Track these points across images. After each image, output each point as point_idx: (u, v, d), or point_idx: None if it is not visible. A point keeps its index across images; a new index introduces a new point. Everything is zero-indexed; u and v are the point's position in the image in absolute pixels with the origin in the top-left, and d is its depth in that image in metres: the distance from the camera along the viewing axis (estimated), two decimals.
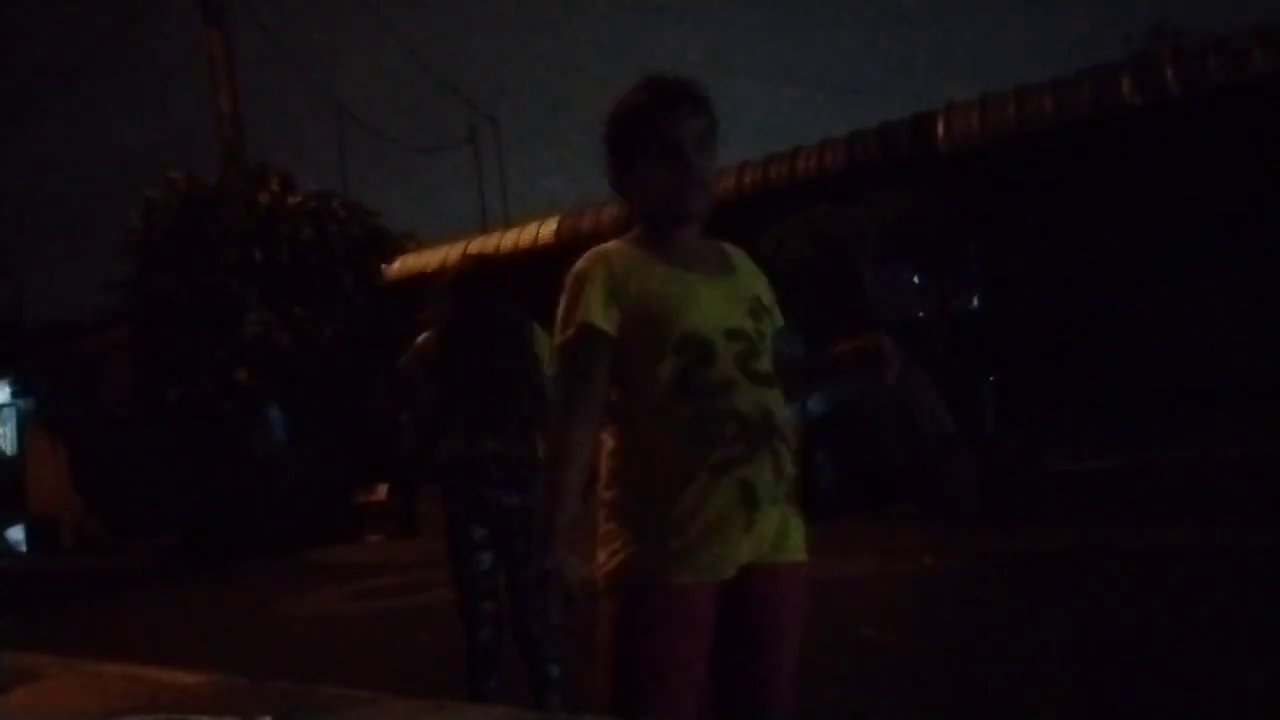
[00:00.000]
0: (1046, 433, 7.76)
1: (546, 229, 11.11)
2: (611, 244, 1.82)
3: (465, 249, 11.92)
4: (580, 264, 1.78)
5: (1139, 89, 7.92)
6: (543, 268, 3.39)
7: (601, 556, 1.73)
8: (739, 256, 1.91)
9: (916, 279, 8.76)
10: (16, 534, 17.28)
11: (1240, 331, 7.29)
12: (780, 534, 1.74)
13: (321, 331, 11.30)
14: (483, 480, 3.27)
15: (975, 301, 8.66)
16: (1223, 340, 7.31)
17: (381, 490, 11.38)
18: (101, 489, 15.01)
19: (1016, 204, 8.12)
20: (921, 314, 8.49)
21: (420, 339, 3.57)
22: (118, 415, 14.18)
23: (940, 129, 8.77)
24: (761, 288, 1.88)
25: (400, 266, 12.32)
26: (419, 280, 12.01)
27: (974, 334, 8.17)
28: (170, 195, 11.69)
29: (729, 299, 1.78)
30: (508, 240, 11.58)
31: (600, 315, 1.71)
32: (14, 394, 18.71)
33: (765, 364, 1.76)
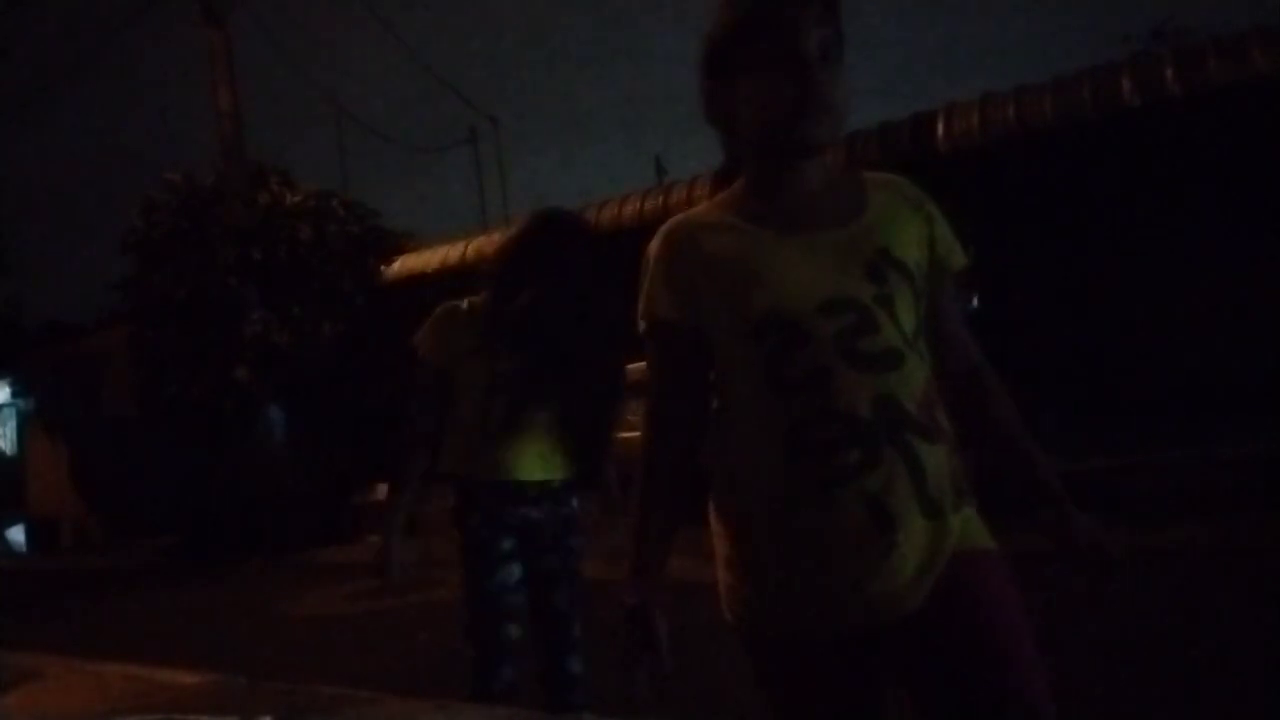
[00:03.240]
0: (1046, 433, 7.76)
1: None
2: (696, 208, 1.50)
3: (465, 249, 11.96)
4: (653, 241, 1.47)
5: (1139, 89, 7.92)
6: None
7: (723, 600, 1.44)
8: (882, 192, 1.46)
9: None
10: (16, 534, 17.27)
11: (1240, 331, 7.29)
12: (943, 547, 1.35)
13: (321, 331, 11.30)
14: (514, 499, 2.61)
15: (974, 302, 8.66)
16: (1223, 340, 7.31)
17: (381, 490, 11.37)
18: (101, 489, 15.01)
19: (1016, 204, 8.12)
20: None
21: (453, 306, 2.72)
22: (118, 415, 14.18)
23: (940, 129, 8.78)
24: (904, 232, 1.43)
25: (400, 266, 12.32)
26: (419, 280, 12.04)
27: (973, 334, 8.16)
28: (170, 195, 11.69)
29: (838, 258, 1.38)
30: None
31: (668, 303, 1.41)
32: (14, 394, 18.72)
33: (888, 339, 1.34)
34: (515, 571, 2.59)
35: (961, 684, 1.30)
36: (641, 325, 1.46)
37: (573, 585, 2.68)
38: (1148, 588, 4.62)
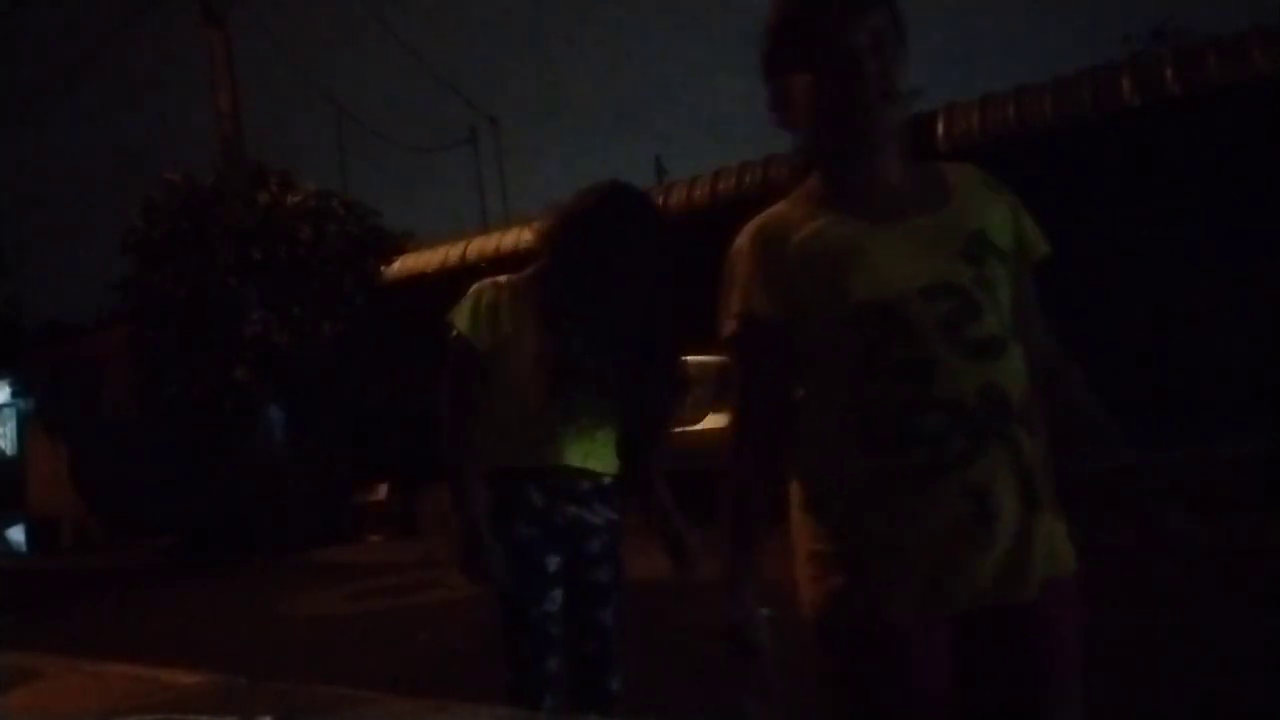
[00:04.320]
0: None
1: None
2: (776, 205, 1.46)
3: (465, 249, 11.96)
4: (736, 241, 1.45)
5: (1139, 89, 7.92)
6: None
7: (804, 595, 1.40)
8: (963, 177, 1.45)
9: None
10: (16, 534, 17.27)
11: (1240, 331, 7.29)
12: (1044, 553, 1.32)
13: (321, 331, 11.30)
14: (564, 493, 2.36)
15: None
16: (1223, 340, 7.31)
17: (381, 490, 11.38)
18: (101, 489, 15.01)
19: None
20: None
21: (492, 282, 2.45)
22: (118, 415, 14.18)
23: (940, 129, 8.78)
24: (993, 216, 1.41)
25: (400, 266, 12.32)
26: (419, 280, 12.04)
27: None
28: (170, 195, 11.68)
29: (933, 243, 1.35)
30: (508, 240, 11.58)
31: (763, 299, 1.38)
32: (14, 394, 18.71)
33: (990, 325, 1.32)
34: (559, 598, 2.34)
35: (1006, 711, 1.33)
36: (730, 325, 1.42)
37: (620, 599, 2.45)
38: (1146, 588, 4.62)
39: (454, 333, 2.38)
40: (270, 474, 11.39)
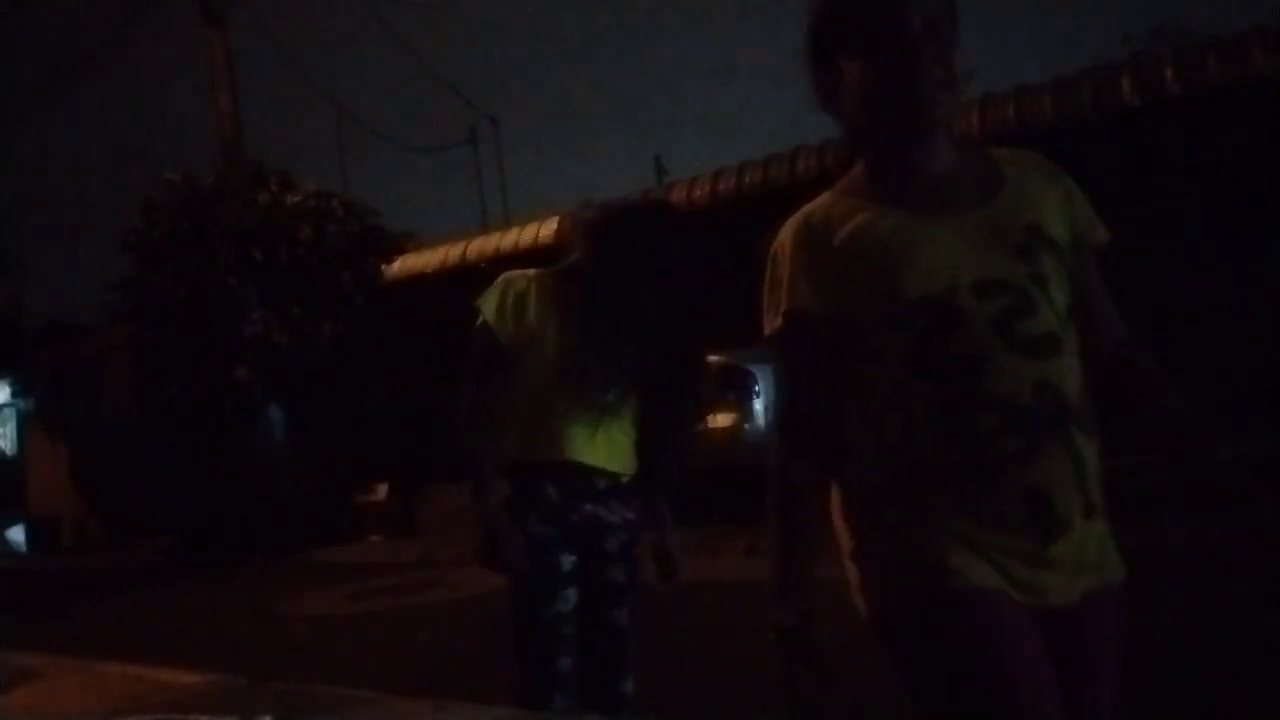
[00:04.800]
0: None
1: (546, 229, 11.11)
2: (818, 199, 1.41)
3: (465, 249, 11.96)
4: (778, 237, 1.40)
5: (1139, 89, 7.92)
6: (543, 268, 3.16)
7: (861, 593, 1.36)
8: (1017, 166, 1.40)
9: None
10: (16, 534, 17.28)
11: (1240, 331, 7.29)
12: (1097, 557, 1.30)
13: (321, 331, 11.30)
14: (581, 491, 2.33)
15: None
16: (1223, 340, 7.31)
17: (381, 490, 11.38)
18: (101, 489, 15.01)
19: None
20: None
21: (517, 274, 2.43)
22: (118, 415, 14.18)
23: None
24: (1048, 207, 1.36)
25: (399, 266, 12.32)
26: (419, 280, 12.05)
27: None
28: (170, 195, 11.69)
29: (984, 237, 1.31)
30: (508, 240, 11.58)
31: (808, 294, 1.34)
32: (14, 394, 18.71)
33: (1045, 321, 1.28)
34: (572, 597, 2.30)
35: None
36: (776, 323, 1.37)
37: (637, 601, 2.41)
38: (1146, 588, 4.62)
39: (480, 320, 2.35)
40: (270, 474, 11.40)
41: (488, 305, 2.35)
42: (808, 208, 1.41)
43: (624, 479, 2.37)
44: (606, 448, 2.33)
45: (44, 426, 16.77)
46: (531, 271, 2.43)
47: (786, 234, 1.39)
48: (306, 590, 8.04)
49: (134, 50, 36.03)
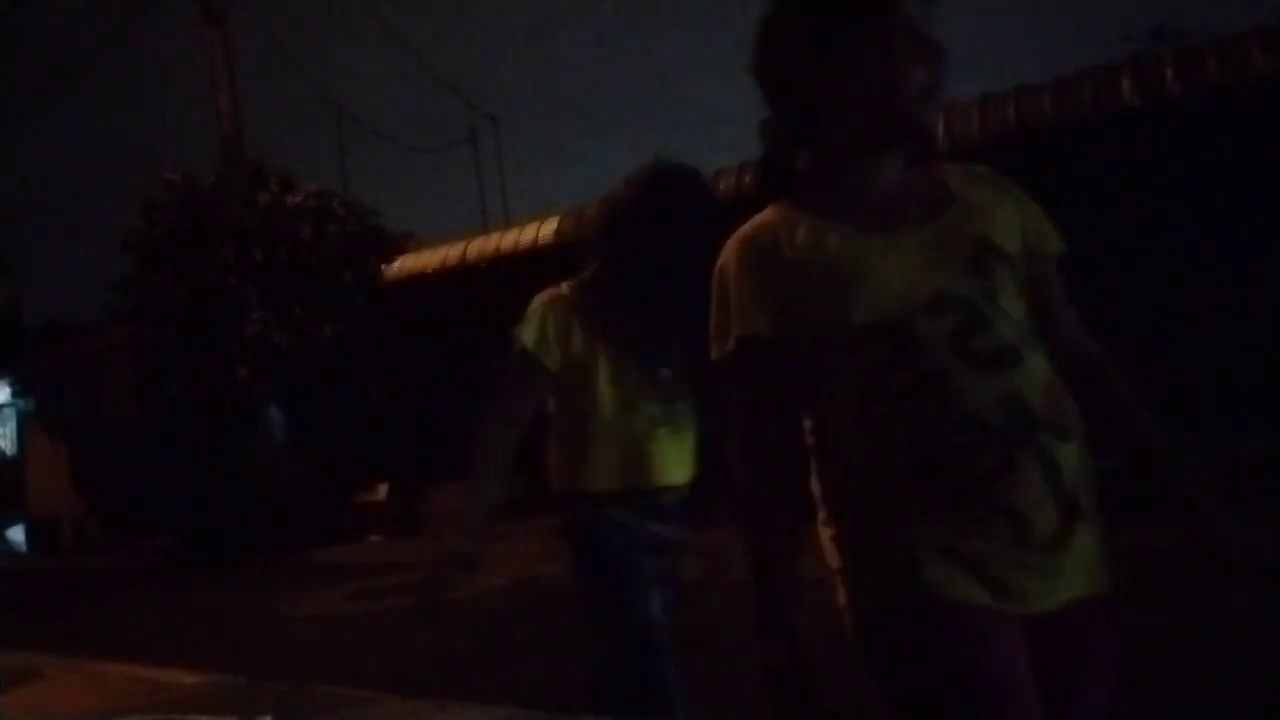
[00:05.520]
0: None
1: (546, 229, 11.11)
2: (765, 212, 1.36)
3: (465, 249, 11.96)
4: (722, 257, 1.36)
5: (1139, 89, 7.92)
6: (543, 268, 3.13)
7: (846, 608, 1.32)
8: (965, 180, 1.36)
9: None
10: (16, 534, 17.27)
11: (1240, 331, 7.29)
12: (1083, 565, 1.25)
13: (321, 331, 11.30)
14: (648, 510, 2.21)
15: None
16: (1223, 340, 7.31)
17: (381, 490, 11.38)
18: (101, 489, 15.01)
19: None
20: None
21: (556, 294, 2.29)
22: (118, 415, 14.18)
23: (940, 129, 8.76)
24: (999, 220, 1.32)
25: (400, 266, 12.32)
26: (419, 280, 12.04)
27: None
28: (170, 195, 11.69)
29: (934, 253, 1.27)
30: (508, 240, 11.58)
31: (759, 317, 1.29)
32: (14, 394, 18.71)
33: (1001, 334, 1.24)
34: (659, 603, 2.17)
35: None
36: (727, 346, 1.32)
37: (670, 630, 2.24)
38: (1145, 588, 4.62)
39: (518, 348, 2.22)
40: (270, 474, 11.40)
41: (526, 333, 2.22)
42: (749, 224, 1.35)
43: (685, 489, 2.26)
44: (666, 460, 2.22)
45: (44, 426, 16.76)
46: (564, 291, 2.28)
47: (729, 253, 1.34)
48: (306, 590, 8.04)
49: (134, 50, 36.06)
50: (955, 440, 1.20)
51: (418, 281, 12.01)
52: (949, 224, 1.30)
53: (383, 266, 12.19)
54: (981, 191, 1.35)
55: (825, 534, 1.34)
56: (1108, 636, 1.31)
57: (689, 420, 2.24)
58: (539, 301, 2.27)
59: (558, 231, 10.99)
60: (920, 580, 1.21)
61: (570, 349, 2.21)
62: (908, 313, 1.23)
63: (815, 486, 1.35)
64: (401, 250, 12.49)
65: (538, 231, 11.25)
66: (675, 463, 2.23)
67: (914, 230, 1.28)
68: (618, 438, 2.19)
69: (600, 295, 2.23)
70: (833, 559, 1.33)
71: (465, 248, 11.99)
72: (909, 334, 1.23)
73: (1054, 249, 1.38)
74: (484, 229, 14.04)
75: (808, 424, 1.34)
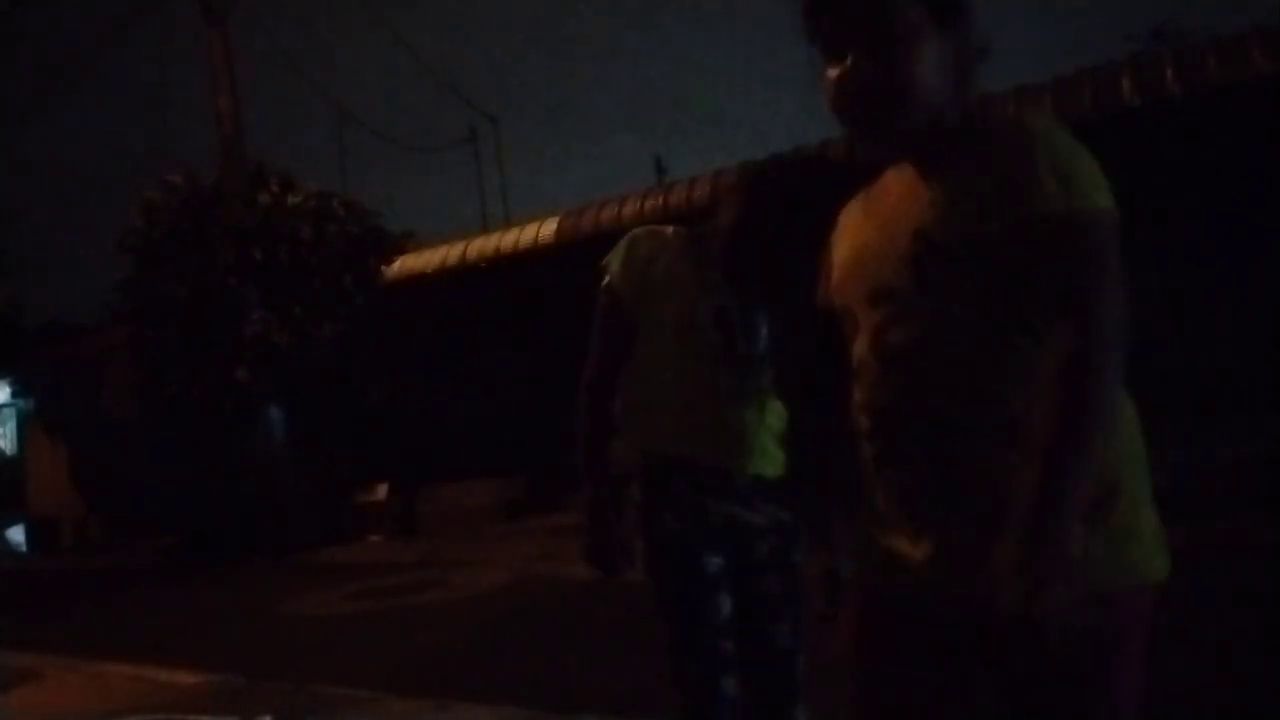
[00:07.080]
0: None
1: (546, 229, 11.11)
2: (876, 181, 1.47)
3: (465, 249, 11.96)
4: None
5: (1139, 89, 7.92)
6: (543, 268, 3.14)
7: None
8: (939, 174, 1.28)
9: None
10: (16, 534, 17.28)
11: (1240, 331, 7.29)
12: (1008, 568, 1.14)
13: (321, 331, 11.30)
14: (716, 488, 2.02)
15: None
16: (1223, 340, 7.31)
17: (381, 490, 11.38)
18: (101, 489, 15.01)
19: None
20: None
21: (655, 228, 2.15)
22: (118, 415, 14.18)
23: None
24: (945, 209, 1.24)
25: (400, 266, 12.33)
26: (419, 280, 12.05)
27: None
28: (170, 195, 11.69)
29: (887, 245, 1.30)
30: (508, 240, 11.58)
31: (823, 281, 1.48)
32: (14, 394, 18.72)
33: (919, 328, 1.24)
34: (726, 605, 1.98)
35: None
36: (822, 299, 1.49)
37: (798, 615, 2.06)
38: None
39: (606, 279, 2.08)
40: (270, 474, 11.40)
41: (614, 263, 2.08)
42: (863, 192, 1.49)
43: (769, 478, 2.02)
44: (742, 442, 2.00)
45: (44, 426, 16.77)
46: (667, 228, 2.14)
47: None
48: (306, 590, 8.04)
49: (134, 50, 36.05)
50: (864, 422, 1.34)
51: (418, 281, 12.01)
52: (905, 210, 1.30)
53: (383, 266, 12.19)
54: (942, 183, 1.27)
55: None
56: (1116, 629, 1.29)
57: (766, 403, 2.01)
58: (631, 234, 2.14)
59: (558, 231, 11.00)
60: (855, 555, 1.43)
61: (650, 282, 2.04)
62: (857, 302, 1.35)
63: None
64: (401, 250, 12.49)
65: (538, 231, 11.25)
66: (743, 443, 2.01)
67: (884, 220, 1.35)
68: (683, 398, 2.02)
69: (712, 244, 2.05)
70: None
71: (465, 248, 12.00)
72: (855, 322, 1.37)
73: (1042, 208, 1.24)
74: (484, 229, 14.05)
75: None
